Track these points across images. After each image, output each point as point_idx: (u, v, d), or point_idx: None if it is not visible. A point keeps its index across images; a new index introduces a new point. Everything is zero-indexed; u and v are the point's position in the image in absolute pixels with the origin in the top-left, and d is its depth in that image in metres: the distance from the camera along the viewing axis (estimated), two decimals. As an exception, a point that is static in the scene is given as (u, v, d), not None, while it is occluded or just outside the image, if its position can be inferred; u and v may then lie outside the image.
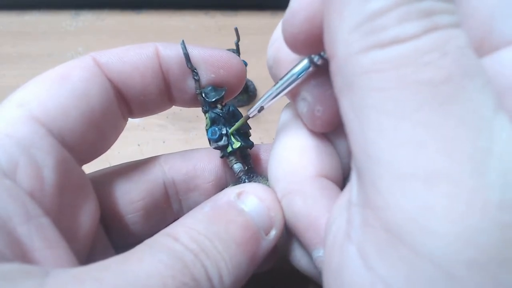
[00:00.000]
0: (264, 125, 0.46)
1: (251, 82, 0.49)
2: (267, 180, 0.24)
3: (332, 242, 0.16)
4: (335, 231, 0.16)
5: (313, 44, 0.17)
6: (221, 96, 0.25)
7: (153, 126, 0.46)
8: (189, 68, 0.24)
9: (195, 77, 0.24)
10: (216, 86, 0.25)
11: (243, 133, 0.26)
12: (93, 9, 0.60)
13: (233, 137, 0.25)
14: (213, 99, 0.25)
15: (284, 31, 0.18)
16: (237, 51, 0.42)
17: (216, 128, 0.25)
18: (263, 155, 0.28)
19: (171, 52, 0.24)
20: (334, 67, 0.15)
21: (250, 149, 0.26)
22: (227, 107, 0.25)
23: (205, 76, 0.25)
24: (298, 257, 0.22)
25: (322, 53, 0.18)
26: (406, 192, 0.12)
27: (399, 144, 0.12)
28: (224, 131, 0.25)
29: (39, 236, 0.17)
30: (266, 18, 0.58)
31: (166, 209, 0.27)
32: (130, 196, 0.25)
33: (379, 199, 0.13)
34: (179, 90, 0.25)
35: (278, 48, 0.21)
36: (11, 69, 0.52)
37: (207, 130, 0.25)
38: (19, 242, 0.16)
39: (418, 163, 0.12)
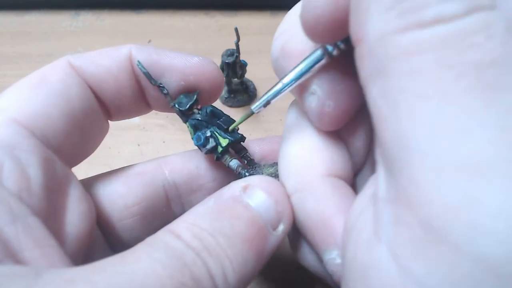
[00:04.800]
0: (264, 125, 0.46)
1: (251, 82, 0.49)
2: (270, 167, 0.24)
3: (355, 240, 0.15)
4: (359, 229, 0.15)
5: (335, 30, 0.16)
6: (193, 100, 0.24)
7: (153, 126, 0.46)
8: (154, 85, 0.24)
9: (164, 92, 0.24)
10: (187, 93, 0.24)
11: (227, 129, 0.25)
12: (93, 9, 0.60)
13: (219, 135, 0.24)
14: (187, 106, 0.24)
15: (304, 15, 0.16)
16: (237, 51, 0.42)
17: (200, 133, 0.24)
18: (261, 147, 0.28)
19: (141, 56, 0.23)
20: (363, 51, 0.14)
21: (243, 142, 0.26)
22: (204, 109, 0.25)
23: (175, 83, 0.24)
24: (306, 255, 0.21)
25: (338, 43, 0.17)
26: (450, 185, 0.11)
27: (441, 132, 0.12)
28: (208, 133, 0.24)
29: (27, 236, 0.17)
30: (266, 18, 0.58)
31: (166, 213, 0.27)
32: (125, 201, 0.25)
33: (417, 194, 0.12)
34: (152, 95, 0.25)
35: (287, 39, 0.20)
36: (11, 69, 0.52)
37: (192, 139, 0.25)
38: (6, 243, 0.16)
39: (465, 153, 0.11)
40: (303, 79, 0.19)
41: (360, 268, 0.15)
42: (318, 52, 0.18)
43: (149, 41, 0.56)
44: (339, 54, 0.17)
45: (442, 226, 0.11)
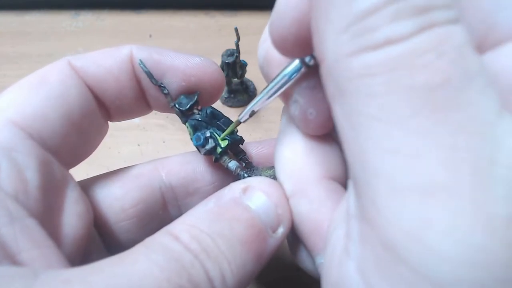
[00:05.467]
0: (264, 125, 0.46)
1: (251, 82, 0.49)
2: (269, 169, 0.24)
3: (331, 254, 0.16)
4: (333, 243, 0.16)
5: (303, 46, 0.16)
6: (194, 100, 0.24)
7: (153, 126, 0.46)
8: (155, 84, 0.24)
9: (164, 92, 0.24)
10: (188, 93, 0.25)
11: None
12: (93, 9, 0.60)
13: (219, 136, 0.24)
14: (187, 106, 0.24)
15: (271, 34, 0.17)
16: (237, 51, 0.42)
17: (199, 134, 0.24)
18: (257, 150, 0.28)
19: (142, 56, 0.23)
20: (324, 72, 0.14)
21: (241, 144, 0.26)
22: (204, 110, 0.25)
23: (176, 84, 0.24)
24: (304, 258, 0.21)
25: (314, 54, 0.17)
26: (403, 207, 0.11)
27: (393, 154, 0.12)
28: (208, 134, 0.24)
29: (25, 237, 0.17)
30: (266, 18, 0.58)
31: (163, 215, 0.27)
32: (122, 203, 0.25)
33: (376, 214, 0.12)
34: (153, 96, 0.25)
35: (268, 47, 0.20)
36: (11, 69, 0.52)
37: (192, 139, 0.25)
38: (4, 244, 0.16)
39: (415, 175, 0.11)
40: (283, 88, 0.19)
41: (334, 281, 0.15)
42: (296, 62, 0.18)
43: (150, 36, 0.56)
44: (316, 63, 0.17)
45: (399, 247, 0.12)
